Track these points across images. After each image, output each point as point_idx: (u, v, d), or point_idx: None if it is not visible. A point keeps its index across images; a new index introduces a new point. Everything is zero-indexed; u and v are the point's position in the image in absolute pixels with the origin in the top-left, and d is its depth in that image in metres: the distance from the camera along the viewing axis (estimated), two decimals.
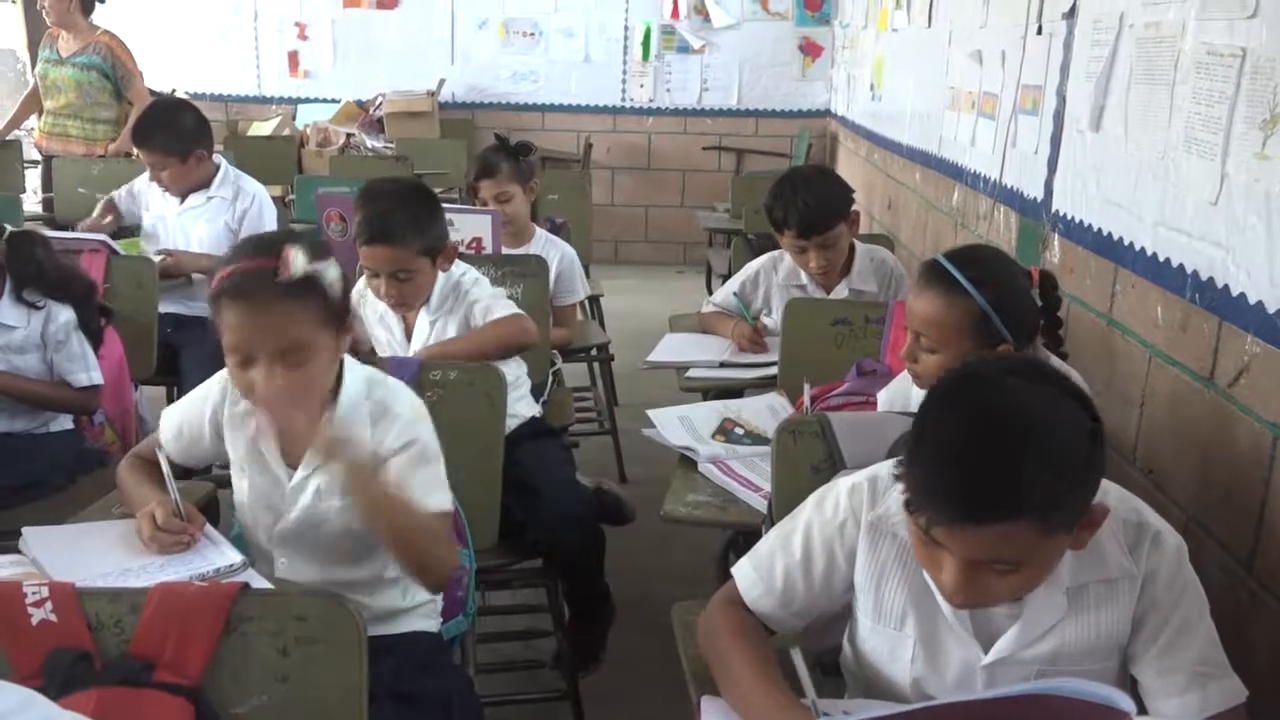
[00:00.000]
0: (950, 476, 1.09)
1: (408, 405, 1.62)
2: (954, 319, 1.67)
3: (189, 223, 3.24)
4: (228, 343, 1.49)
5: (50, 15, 4.72)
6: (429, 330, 2.33)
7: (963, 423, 1.11)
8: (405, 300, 2.26)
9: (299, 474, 1.58)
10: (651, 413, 2.21)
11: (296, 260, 1.46)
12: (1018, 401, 1.11)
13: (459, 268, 2.38)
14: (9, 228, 2.30)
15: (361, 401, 1.59)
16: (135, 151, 3.18)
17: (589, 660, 2.40)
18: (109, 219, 3.35)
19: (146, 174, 3.29)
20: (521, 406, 2.40)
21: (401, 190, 2.28)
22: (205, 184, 3.23)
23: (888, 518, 1.27)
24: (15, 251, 2.25)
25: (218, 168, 3.28)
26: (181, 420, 1.69)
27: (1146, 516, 1.25)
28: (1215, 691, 1.20)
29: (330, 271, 1.51)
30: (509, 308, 2.36)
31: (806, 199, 2.63)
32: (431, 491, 1.59)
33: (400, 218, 2.17)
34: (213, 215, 3.22)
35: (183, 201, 3.23)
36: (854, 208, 2.76)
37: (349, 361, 1.62)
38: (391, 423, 1.59)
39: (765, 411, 2.22)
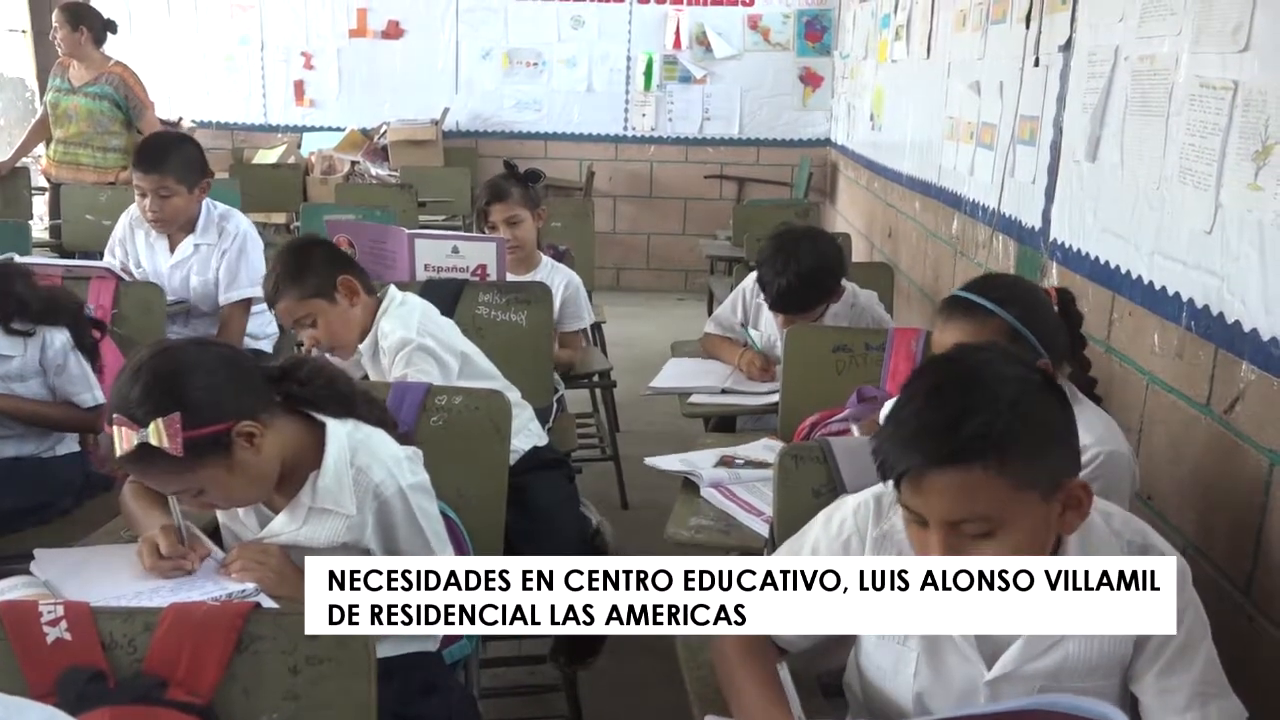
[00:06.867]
0: (904, 425, 1.17)
1: (387, 473, 1.59)
2: (985, 340, 1.64)
3: (181, 278, 3.13)
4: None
5: (62, 46, 4.75)
6: (372, 374, 2.31)
7: (919, 385, 1.21)
8: (326, 344, 2.27)
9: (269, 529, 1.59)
10: (650, 460, 2.21)
11: (117, 440, 1.40)
12: (966, 359, 1.24)
13: (395, 302, 2.34)
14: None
15: (345, 470, 1.57)
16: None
17: (588, 653, 2.37)
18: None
19: (126, 223, 3.18)
20: (520, 440, 2.31)
21: (283, 250, 2.34)
22: (193, 221, 3.12)
23: (893, 532, 1.30)
24: None
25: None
26: None
27: (1151, 539, 1.27)
28: (1215, 711, 1.22)
29: (163, 429, 1.39)
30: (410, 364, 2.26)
31: (791, 281, 2.58)
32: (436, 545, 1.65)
33: (280, 274, 2.25)
34: (202, 267, 3.13)
35: (172, 252, 3.13)
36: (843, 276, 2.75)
37: (331, 423, 1.59)
38: (374, 498, 1.58)
39: (762, 450, 2.24)
